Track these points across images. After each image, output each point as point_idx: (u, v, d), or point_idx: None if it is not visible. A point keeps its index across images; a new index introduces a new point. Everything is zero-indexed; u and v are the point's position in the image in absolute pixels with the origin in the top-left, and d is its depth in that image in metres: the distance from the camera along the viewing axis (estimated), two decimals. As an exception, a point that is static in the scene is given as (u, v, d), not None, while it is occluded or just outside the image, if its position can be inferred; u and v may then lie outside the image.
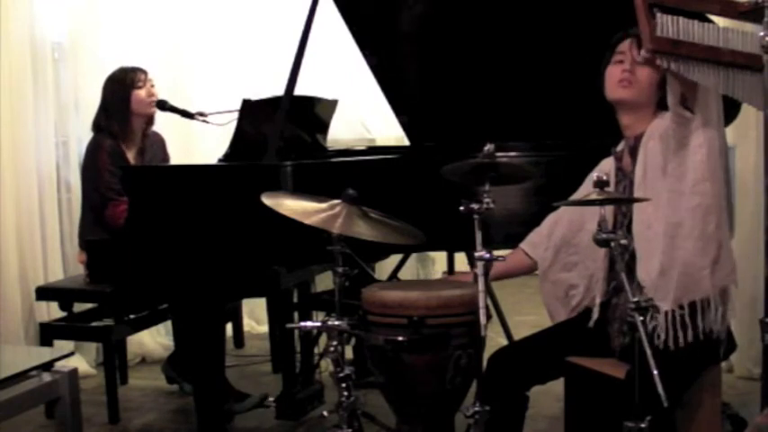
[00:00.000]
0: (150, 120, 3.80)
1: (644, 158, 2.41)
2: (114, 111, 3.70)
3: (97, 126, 3.72)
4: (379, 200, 2.68)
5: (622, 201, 2.44)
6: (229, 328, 4.30)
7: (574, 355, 2.48)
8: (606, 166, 2.55)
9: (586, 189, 2.59)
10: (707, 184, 2.26)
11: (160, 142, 3.91)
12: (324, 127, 3.90)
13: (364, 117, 5.26)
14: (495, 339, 3.85)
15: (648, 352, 1.95)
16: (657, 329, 2.29)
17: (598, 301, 2.50)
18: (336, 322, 2.44)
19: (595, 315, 2.49)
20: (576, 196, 2.60)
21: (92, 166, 3.67)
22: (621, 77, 2.43)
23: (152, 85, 3.76)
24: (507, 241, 3.11)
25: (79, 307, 3.71)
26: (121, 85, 3.71)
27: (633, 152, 2.47)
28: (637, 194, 2.40)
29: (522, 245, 2.74)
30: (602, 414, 2.26)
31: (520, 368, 2.48)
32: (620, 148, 2.56)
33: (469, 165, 2.37)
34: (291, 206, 2.49)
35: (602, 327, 2.48)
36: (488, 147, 2.31)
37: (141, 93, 3.71)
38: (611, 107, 2.51)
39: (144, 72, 3.75)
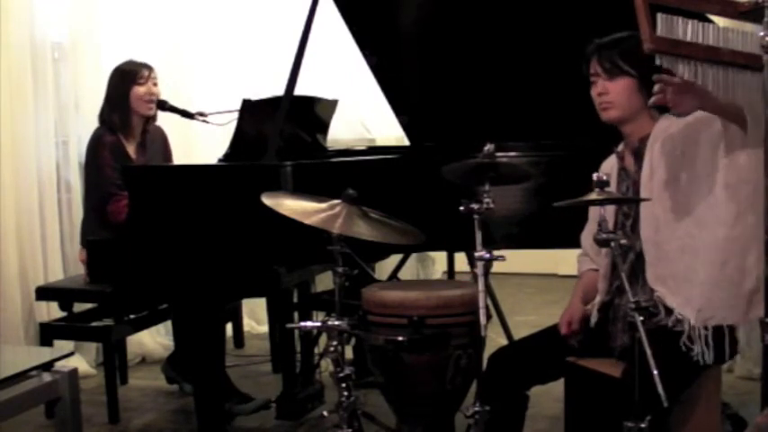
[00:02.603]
0: (150, 118, 3.79)
1: (650, 161, 2.40)
2: (115, 103, 3.70)
3: (101, 117, 3.73)
4: (379, 200, 2.68)
5: (622, 201, 2.44)
6: (229, 328, 4.30)
7: (574, 354, 2.49)
8: (608, 166, 2.55)
9: None
10: (752, 217, 2.22)
11: (162, 137, 3.91)
12: (324, 127, 3.90)
13: (364, 117, 5.26)
14: (495, 339, 3.85)
15: (648, 352, 1.95)
16: (684, 338, 2.29)
17: (598, 299, 2.50)
18: (336, 322, 2.44)
19: (594, 315, 2.49)
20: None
21: (93, 162, 3.68)
22: (600, 101, 2.44)
23: (155, 84, 3.74)
24: (507, 241, 3.12)
25: (79, 307, 3.71)
26: (122, 79, 3.70)
27: (637, 154, 2.46)
28: (644, 197, 2.39)
29: (586, 269, 2.67)
30: (602, 414, 2.26)
31: (520, 368, 2.48)
32: (620, 147, 2.56)
33: (469, 165, 2.37)
34: (291, 206, 2.49)
35: (603, 326, 2.48)
36: (488, 147, 2.31)
37: (141, 89, 3.69)
38: None
39: (149, 69, 3.73)
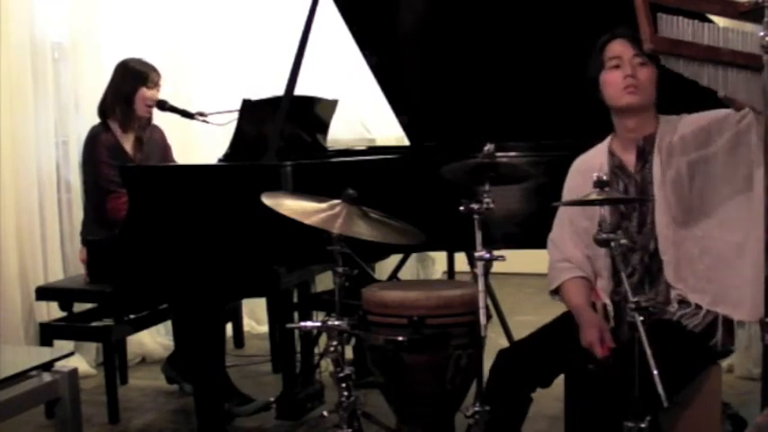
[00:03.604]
0: (147, 120, 3.81)
1: (661, 162, 2.40)
2: (119, 97, 3.72)
3: (102, 107, 3.74)
4: (379, 200, 2.68)
5: (623, 200, 2.43)
6: (229, 328, 4.30)
7: (578, 352, 2.45)
8: (596, 162, 2.51)
9: (582, 183, 2.52)
10: None
11: (160, 134, 3.92)
12: (324, 127, 3.90)
13: (364, 117, 5.26)
14: (495, 339, 3.85)
15: (648, 352, 1.95)
16: (718, 336, 2.35)
17: (607, 300, 2.48)
18: (336, 322, 2.44)
19: (611, 310, 2.46)
20: (569, 190, 2.59)
21: (90, 160, 3.71)
22: (627, 84, 2.40)
23: (158, 90, 3.77)
24: (507, 241, 3.12)
25: (79, 307, 3.71)
26: (136, 77, 3.72)
27: (641, 153, 2.46)
28: (658, 198, 2.39)
29: (571, 277, 2.54)
30: (602, 414, 2.26)
31: (525, 370, 2.42)
32: (609, 143, 2.54)
33: (469, 165, 2.37)
34: (291, 206, 2.49)
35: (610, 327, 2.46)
36: (488, 147, 2.31)
37: (147, 93, 3.72)
38: (607, 110, 2.50)
39: (158, 74, 3.77)
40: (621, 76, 2.41)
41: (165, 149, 3.93)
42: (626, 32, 2.42)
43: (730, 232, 2.35)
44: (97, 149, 3.67)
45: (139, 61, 3.79)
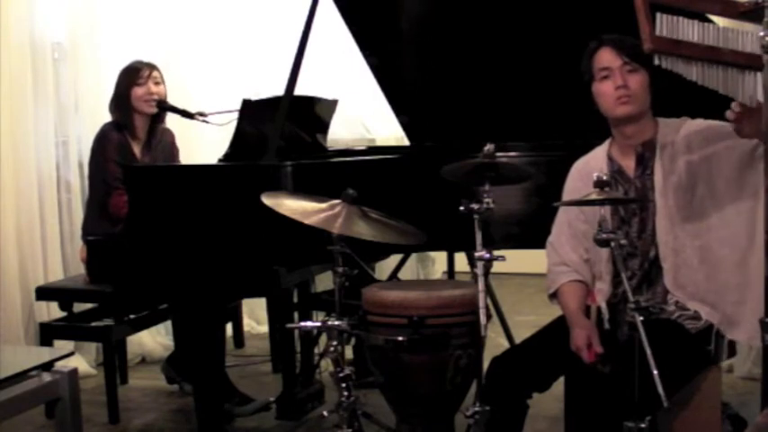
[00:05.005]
0: (157, 117, 3.79)
1: (662, 169, 2.39)
2: (117, 102, 3.73)
3: (114, 120, 3.76)
4: (379, 200, 2.69)
5: (622, 201, 2.43)
6: (229, 328, 4.30)
7: (573, 356, 2.46)
8: (596, 166, 2.49)
9: (583, 186, 2.51)
10: None
11: (170, 139, 3.92)
12: (324, 127, 3.90)
13: (364, 117, 5.26)
14: (495, 339, 3.85)
15: (648, 352, 1.95)
16: (712, 345, 2.35)
17: (603, 304, 2.47)
18: (336, 322, 2.45)
19: (606, 314, 2.45)
20: (569, 192, 2.58)
21: (98, 156, 3.71)
22: (619, 95, 2.37)
23: (156, 83, 3.73)
24: (507, 241, 3.12)
25: (79, 307, 3.71)
26: (123, 80, 3.73)
27: (640, 158, 2.45)
28: (659, 204, 2.38)
29: (568, 281, 2.52)
30: (602, 414, 2.26)
31: (519, 377, 2.41)
32: (607, 148, 2.53)
33: (469, 165, 2.37)
34: (291, 206, 2.49)
35: (605, 329, 2.46)
36: (488, 147, 2.31)
37: (139, 90, 3.70)
38: (604, 118, 2.48)
39: (150, 68, 3.73)
40: (613, 86, 2.38)
41: (172, 152, 3.91)
42: (612, 39, 2.40)
43: (730, 250, 2.34)
44: (106, 146, 3.67)
45: (134, 61, 3.78)
